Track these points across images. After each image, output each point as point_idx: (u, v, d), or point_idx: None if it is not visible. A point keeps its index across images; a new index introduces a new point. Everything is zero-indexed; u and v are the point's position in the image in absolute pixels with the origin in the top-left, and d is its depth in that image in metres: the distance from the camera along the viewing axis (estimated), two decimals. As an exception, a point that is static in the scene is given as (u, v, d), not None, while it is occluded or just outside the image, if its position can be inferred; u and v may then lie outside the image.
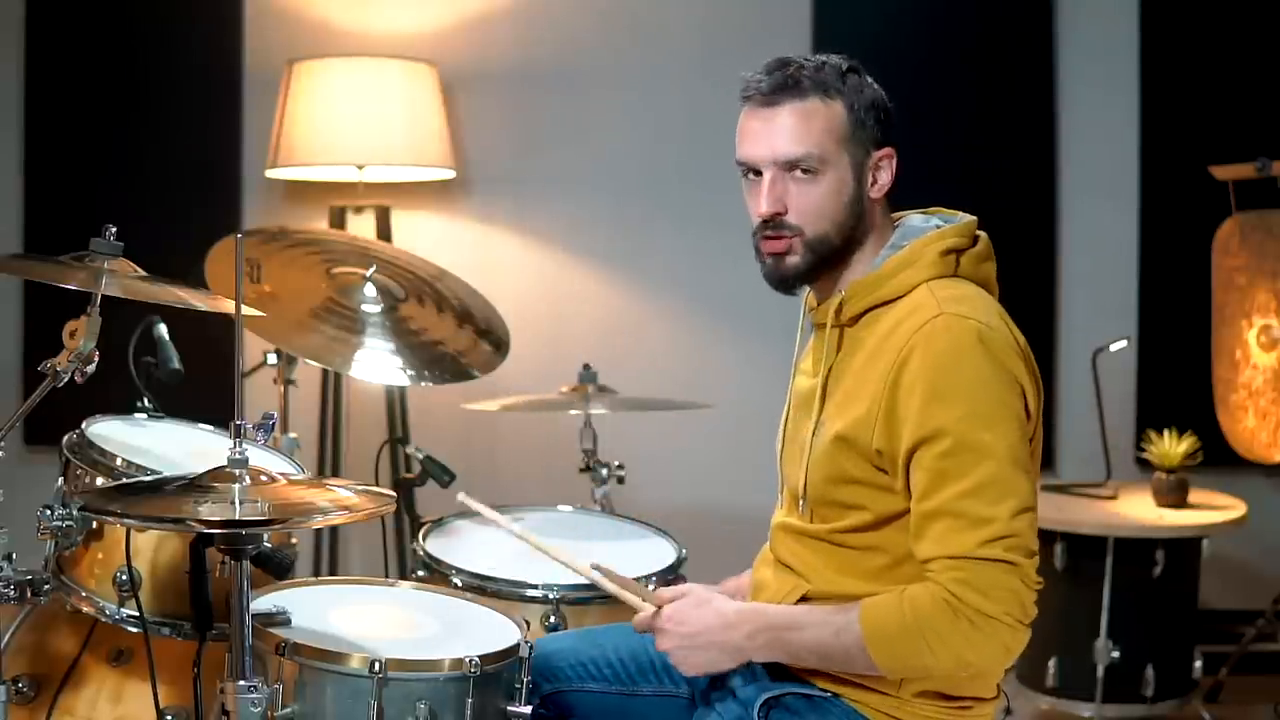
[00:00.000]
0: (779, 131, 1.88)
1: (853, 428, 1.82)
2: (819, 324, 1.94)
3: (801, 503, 1.91)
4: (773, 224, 1.89)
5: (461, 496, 2.23)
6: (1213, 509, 3.53)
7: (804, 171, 1.88)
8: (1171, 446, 3.54)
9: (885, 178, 1.90)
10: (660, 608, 1.91)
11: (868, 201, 1.90)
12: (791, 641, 1.84)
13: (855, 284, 1.88)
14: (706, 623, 1.87)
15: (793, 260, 1.90)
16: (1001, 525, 1.71)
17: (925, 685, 1.84)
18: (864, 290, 1.87)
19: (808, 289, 1.99)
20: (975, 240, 1.91)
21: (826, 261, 1.91)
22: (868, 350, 1.84)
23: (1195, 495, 3.58)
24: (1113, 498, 3.62)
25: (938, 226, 1.91)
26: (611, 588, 2.03)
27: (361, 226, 3.85)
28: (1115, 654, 3.39)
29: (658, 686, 2.09)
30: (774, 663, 1.92)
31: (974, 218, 1.93)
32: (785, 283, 1.93)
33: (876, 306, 1.86)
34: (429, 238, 4.05)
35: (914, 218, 1.95)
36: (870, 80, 1.92)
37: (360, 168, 3.75)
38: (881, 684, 1.84)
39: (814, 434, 1.89)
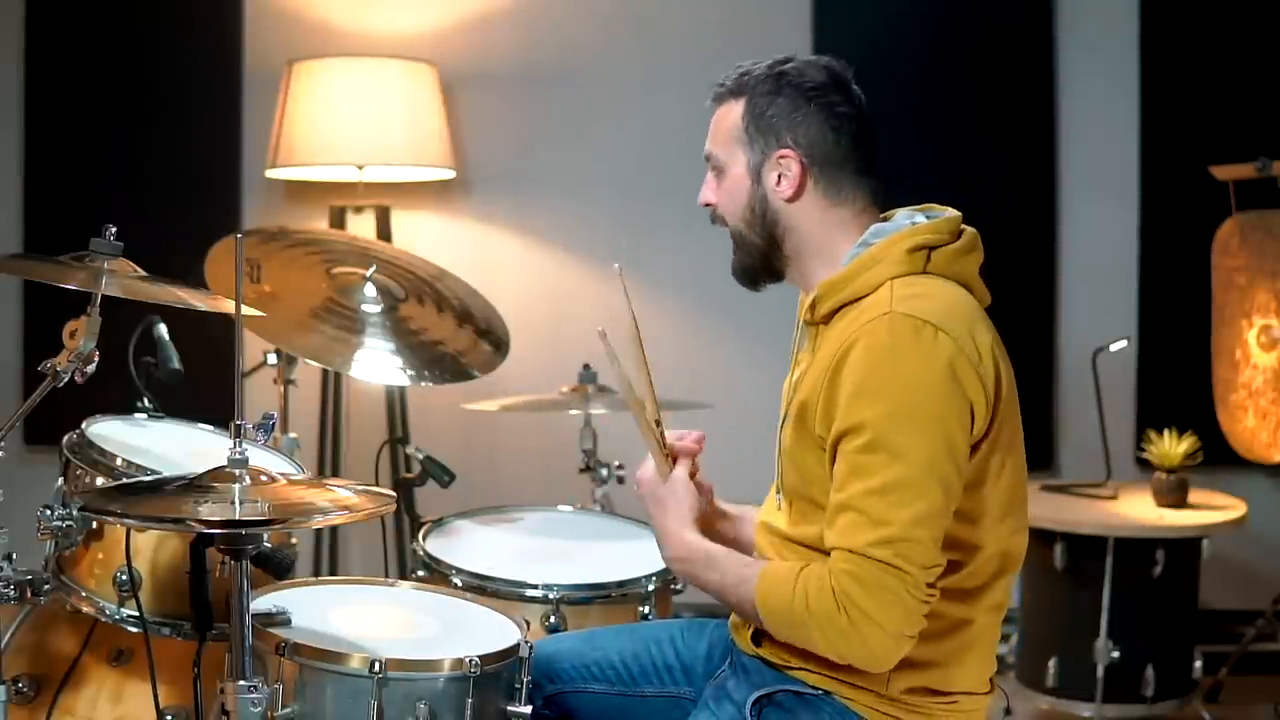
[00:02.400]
0: (709, 131, 2.00)
1: (801, 412, 1.86)
2: (804, 321, 1.97)
3: (779, 494, 1.95)
4: (711, 216, 2.02)
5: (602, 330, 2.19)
6: (1213, 509, 3.53)
7: (715, 170, 1.99)
8: (1171, 446, 3.54)
9: (788, 179, 1.91)
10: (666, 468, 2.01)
11: (775, 202, 1.92)
12: (700, 576, 1.92)
13: (824, 283, 1.89)
14: (654, 519, 1.99)
15: (734, 259, 2.01)
16: (898, 530, 1.71)
17: (914, 681, 1.84)
18: (832, 289, 1.88)
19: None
20: (960, 235, 1.90)
21: (762, 262, 1.97)
22: (828, 346, 1.86)
23: (1195, 495, 3.58)
24: (1113, 498, 3.62)
25: (914, 224, 1.91)
26: (640, 415, 2.08)
27: (361, 226, 3.86)
28: (1115, 654, 3.38)
29: (660, 688, 2.09)
30: (768, 662, 1.93)
31: (956, 213, 1.92)
32: (738, 278, 2.02)
33: (846, 305, 1.87)
34: (429, 238, 4.06)
35: (898, 214, 1.95)
36: (814, 80, 1.91)
37: (360, 168, 3.75)
38: (871, 682, 1.84)
39: (781, 428, 1.92)
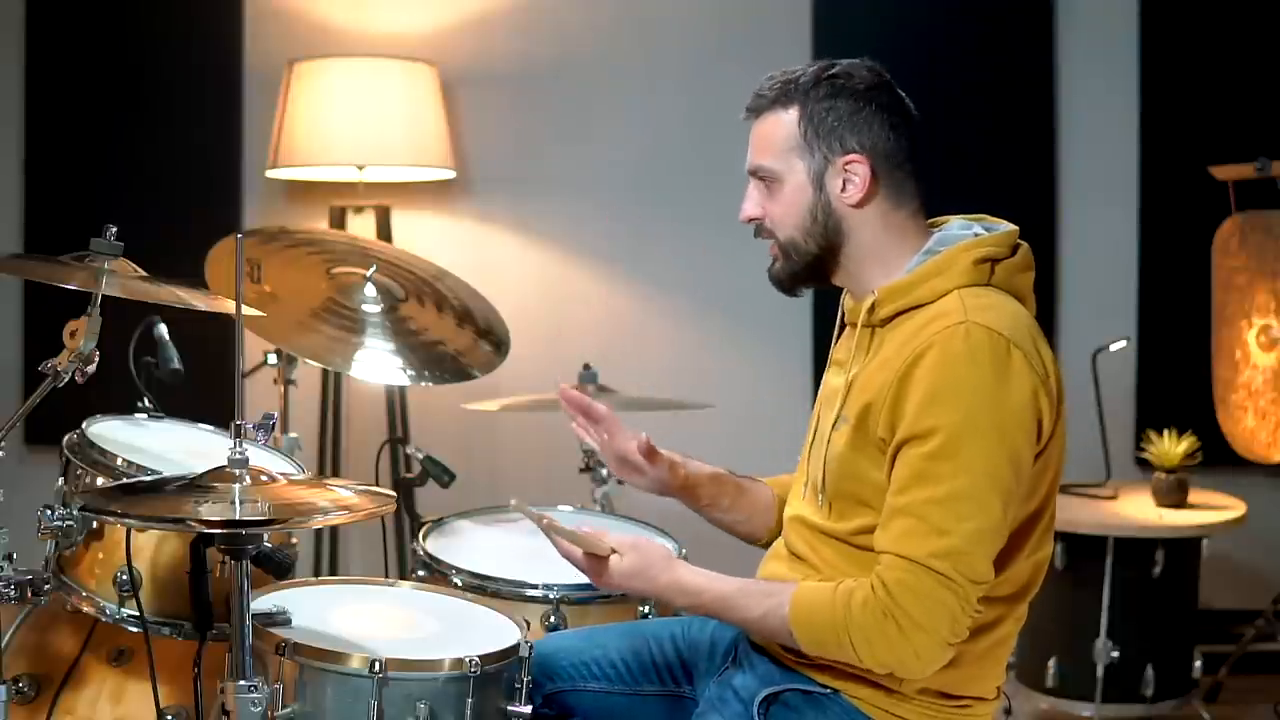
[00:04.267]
0: (751, 144, 1.96)
1: (863, 414, 1.83)
2: (852, 322, 1.95)
3: (820, 496, 1.90)
4: (756, 229, 1.98)
5: (515, 503, 2.16)
6: (1212, 509, 3.53)
7: (766, 181, 1.94)
8: (1171, 446, 3.54)
9: (856, 184, 1.88)
10: (608, 556, 1.93)
11: (839, 208, 1.90)
12: (722, 617, 1.92)
13: (886, 288, 1.87)
14: (646, 591, 1.96)
15: (776, 265, 1.98)
16: (958, 542, 1.71)
17: (929, 683, 1.83)
18: (895, 294, 1.87)
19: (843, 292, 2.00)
20: (1015, 250, 1.90)
21: (812, 268, 1.94)
22: (892, 349, 1.84)
23: (1195, 495, 3.58)
24: (1113, 498, 3.62)
25: (977, 234, 1.90)
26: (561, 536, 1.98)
27: (361, 226, 3.86)
28: (1115, 654, 3.39)
29: (661, 687, 2.09)
30: (775, 659, 1.93)
31: (1014, 227, 1.92)
32: (779, 285, 1.99)
33: (907, 310, 1.86)
34: (429, 238, 4.05)
35: (954, 224, 1.94)
36: (866, 81, 1.90)
37: (360, 168, 3.75)
38: (884, 679, 1.84)
39: (834, 428, 1.89)
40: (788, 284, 1.98)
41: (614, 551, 1.93)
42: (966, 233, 1.91)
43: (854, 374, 1.89)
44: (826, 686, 1.88)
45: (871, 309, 1.88)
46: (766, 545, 2.15)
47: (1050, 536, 1.90)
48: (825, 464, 1.89)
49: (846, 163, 1.88)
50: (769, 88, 1.93)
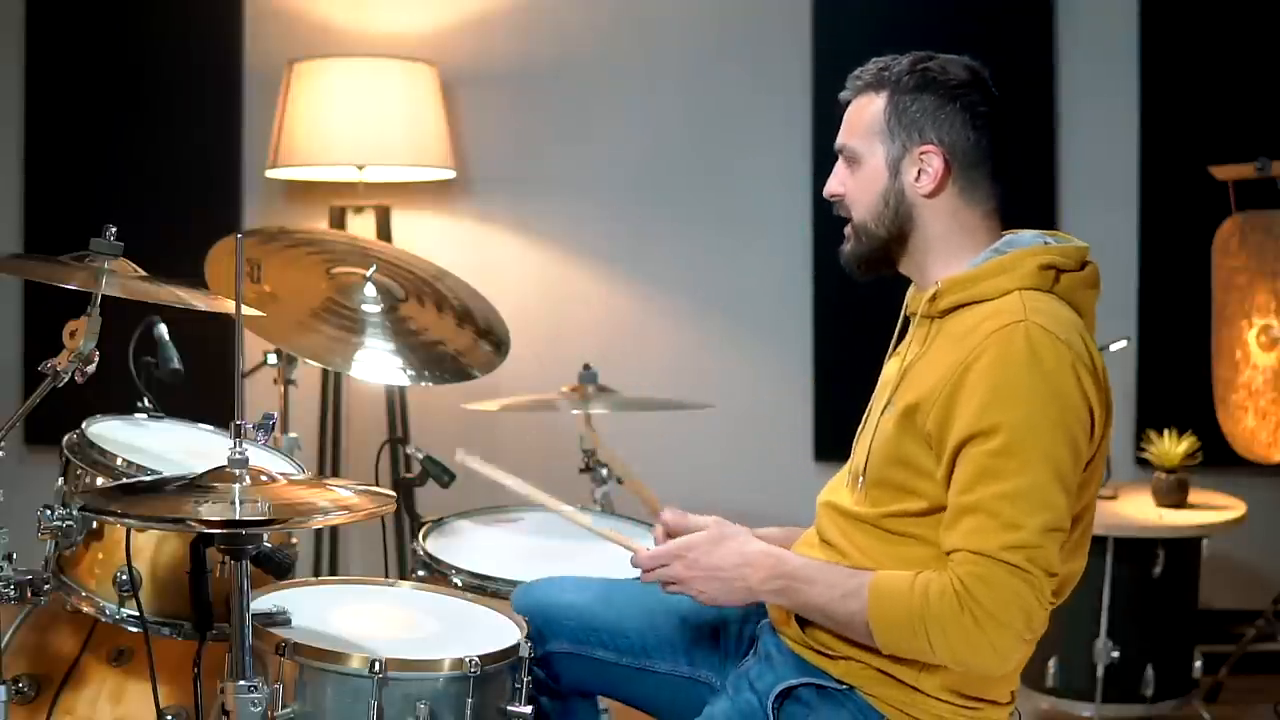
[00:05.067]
0: (843, 123, 1.99)
1: (913, 405, 1.84)
2: (913, 313, 1.98)
3: (860, 479, 1.91)
4: (835, 206, 2.01)
5: (461, 455, 2.20)
6: (1213, 509, 3.53)
7: (848, 161, 1.98)
8: (1171, 446, 3.54)
9: (929, 174, 1.91)
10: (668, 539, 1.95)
11: (912, 196, 1.93)
12: (801, 593, 1.86)
13: (950, 279, 1.90)
14: (726, 560, 1.90)
15: (847, 246, 2.00)
16: (1029, 535, 1.72)
17: (948, 682, 1.84)
18: (958, 286, 1.89)
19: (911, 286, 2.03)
20: (1083, 266, 1.92)
21: (880, 252, 1.97)
22: (948, 341, 1.86)
23: (1195, 495, 3.58)
24: (1113, 498, 3.62)
25: (1046, 244, 1.93)
26: (616, 537, 2.06)
27: (361, 226, 3.86)
28: (1115, 654, 3.39)
29: (674, 666, 2.07)
30: (792, 654, 1.93)
31: (1085, 245, 1.95)
32: (848, 268, 2.01)
33: (968, 304, 1.88)
34: (429, 238, 4.06)
35: (1026, 232, 1.96)
36: (958, 78, 1.92)
37: (360, 168, 3.75)
38: (903, 673, 1.84)
39: (883, 413, 1.90)
40: (857, 267, 2.00)
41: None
42: (1037, 241, 1.93)
43: (908, 363, 1.92)
44: (843, 683, 1.88)
45: (933, 299, 1.91)
46: None
47: (1085, 548, 1.91)
48: (871, 450, 1.91)
49: (922, 152, 1.91)
50: (867, 71, 1.97)
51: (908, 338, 1.99)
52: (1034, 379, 1.76)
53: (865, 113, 1.95)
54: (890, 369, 2.00)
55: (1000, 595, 1.71)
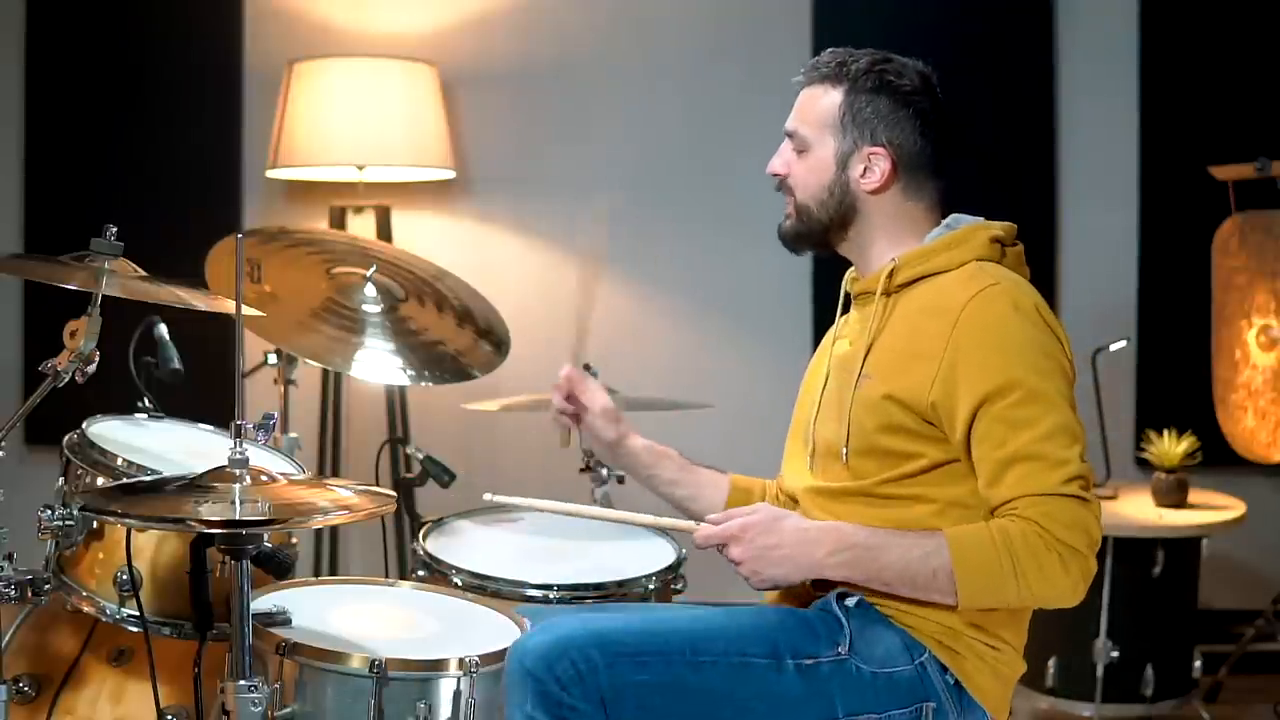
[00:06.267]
0: (795, 106, 2.07)
1: (903, 385, 1.90)
2: (863, 292, 2.04)
3: (844, 452, 1.96)
4: (778, 184, 2.09)
5: (489, 496, 2.19)
6: (1212, 509, 3.53)
7: (797, 146, 2.06)
8: (1171, 446, 3.54)
9: (875, 174, 2.00)
10: (732, 520, 1.95)
11: (856, 190, 2.01)
12: (876, 560, 1.88)
13: (906, 255, 1.98)
14: (785, 537, 1.91)
15: (788, 222, 2.09)
16: (1076, 466, 1.81)
17: (977, 618, 1.89)
18: (915, 260, 1.98)
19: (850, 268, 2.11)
20: (1015, 244, 2.03)
21: (819, 235, 2.06)
22: (918, 312, 1.94)
23: (1195, 495, 3.58)
24: (1113, 498, 3.62)
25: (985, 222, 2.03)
26: (661, 523, 2.08)
27: (361, 226, 3.86)
28: (1115, 654, 3.39)
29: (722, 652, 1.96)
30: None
31: (1014, 225, 2.04)
32: (785, 242, 2.10)
33: (925, 277, 1.97)
34: (429, 238, 4.05)
35: (964, 216, 2.05)
36: (912, 83, 2.00)
37: (360, 168, 3.75)
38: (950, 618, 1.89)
39: (855, 387, 1.96)
40: (794, 243, 2.09)
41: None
42: (977, 220, 2.03)
43: (873, 339, 1.98)
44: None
45: (890, 275, 1.98)
46: None
47: None
48: (850, 422, 1.96)
49: (872, 153, 2.00)
50: (826, 61, 2.04)
51: (850, 317, 2.09)
52: (1026, 333, 1.87)
53: (819, 104, 2.03)
54: (844, 349, 2.06)
55: (1073, 527, 1.79)
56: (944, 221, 2.02)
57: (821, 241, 2.08)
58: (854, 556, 1.89)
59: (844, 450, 1.97)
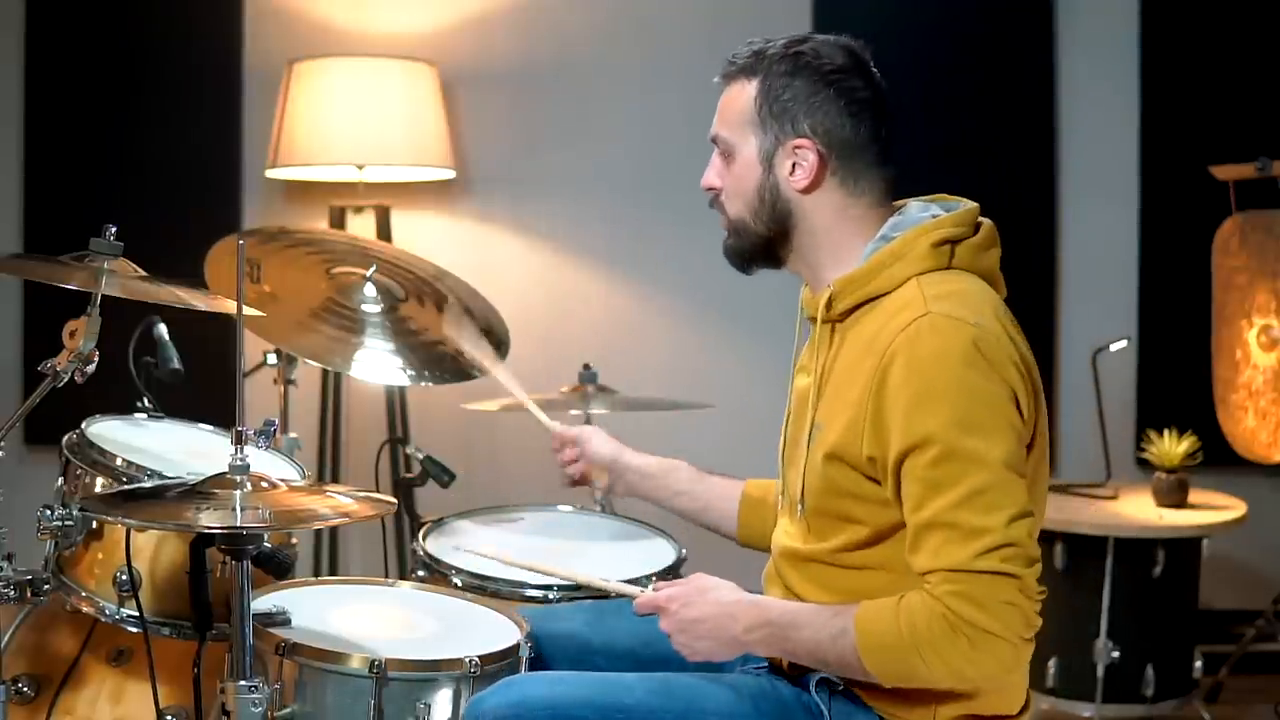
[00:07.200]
0: (717, 110, 1.90)
1: (841, 440, 1.75)
2: (812, 318, 1.88)
3: (799, 508, 1.83)
4: (711, 200, 1.92)
5: (466, 548, 2.26)
6: (1213, 509, 3.53)
7: (723, 153, 1.89)
8: (1171, 446, 3.54)
9: (803, 169, 1.81)
10: (661, 591, 1.86)
11: (788, 192, 1.83)
12: (789, 639, 1.76)
13: (841, 280, 1.80)
14: (706, 611, 1.80)
15: (728, 241, 1.92)
16: (998, 535, 1.61)
17: (961, 710, 1.76)
18: (852, 285, 1.79)
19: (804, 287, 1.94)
20: (977, 229, 1.82)
21: (761, 249, 1.88)
22: (857, 349, 1.76)
23: (1195, 495, 3.58)
24: (1113, 498, 3.62)
25: (934, 216, 1.82)
26: (610, 586, 2.04)
27: (361, 226, 3.85)
28: (1115, 654, 3.39)
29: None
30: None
31: (975, 205, 1.84)
32: (731, 262, 1.93)
33: (867, 302, 1.79)
34: (429, 238, 4.05)
35: (912, 206, 1.86)
36: (833, 61, 1.84)
37: (360, 168, 3.75)
38: (914, 710, 1.76)
39: (810, 437, 1.81)
40: (736, 260, 1.92)
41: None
42: (924, 215, 1.82)
43: (821, 376, 1.82)
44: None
45: (829, 304, 1.81)
46: (744, 540, 2.14)
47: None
48: (805, 477, 1.82)
49: (795, 146, 1.82)
50: (742, 54, 1.88)
51: (810, 345, 1.89)
52: (949, 375, 1.65)
53: (737, 101, 1.85)
54: (802, 382, 1.89)
55: (989, 607, 1.60)
56: (887, 222, 1.82)
57: (766, 255, 1.88)
58: (769, 634, 1.77)
59: (799, 507, 1.82)
